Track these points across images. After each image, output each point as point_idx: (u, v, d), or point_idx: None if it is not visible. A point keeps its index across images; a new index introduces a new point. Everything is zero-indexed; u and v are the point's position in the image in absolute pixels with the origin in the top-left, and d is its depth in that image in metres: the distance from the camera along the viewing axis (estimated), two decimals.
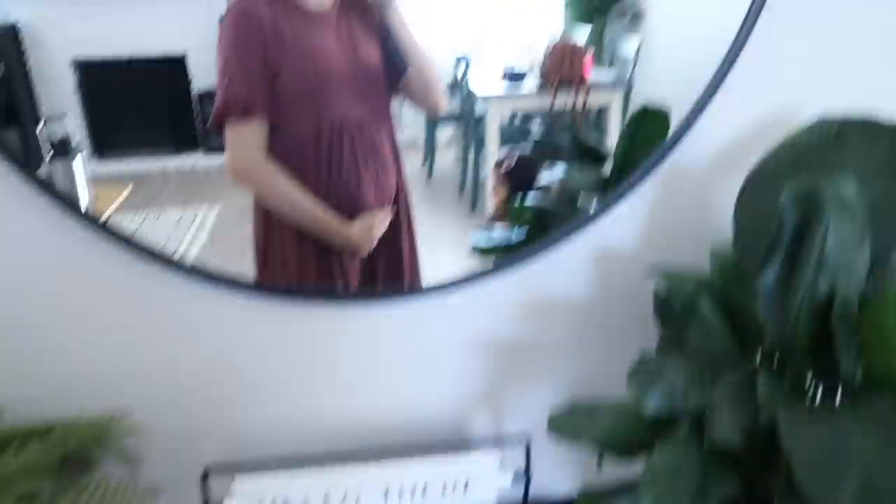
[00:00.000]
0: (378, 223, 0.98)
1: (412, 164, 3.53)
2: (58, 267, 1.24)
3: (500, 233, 0.93)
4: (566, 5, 3.79)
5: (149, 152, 3.33)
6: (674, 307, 1.20)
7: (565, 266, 1.30)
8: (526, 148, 2.54)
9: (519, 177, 1.37)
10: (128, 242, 0.76)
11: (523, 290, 1.40)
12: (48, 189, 0.69)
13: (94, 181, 1.52)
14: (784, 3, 1.58)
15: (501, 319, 1.44)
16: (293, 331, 1.57)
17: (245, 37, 0.85)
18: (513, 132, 2.74)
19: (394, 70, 0.95)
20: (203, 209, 1.79)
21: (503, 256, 0.93)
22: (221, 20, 0.87)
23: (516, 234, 0.93)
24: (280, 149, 0.90)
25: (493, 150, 2.38)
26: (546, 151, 1.45)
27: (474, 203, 2.43)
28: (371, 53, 0.90)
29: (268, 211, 0.94)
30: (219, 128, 0.89)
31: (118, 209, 1.64)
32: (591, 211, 0.93)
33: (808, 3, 1.57)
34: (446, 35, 3.56)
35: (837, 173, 1.12)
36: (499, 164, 1.36)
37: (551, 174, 0.92)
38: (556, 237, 1.04)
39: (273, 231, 0.97)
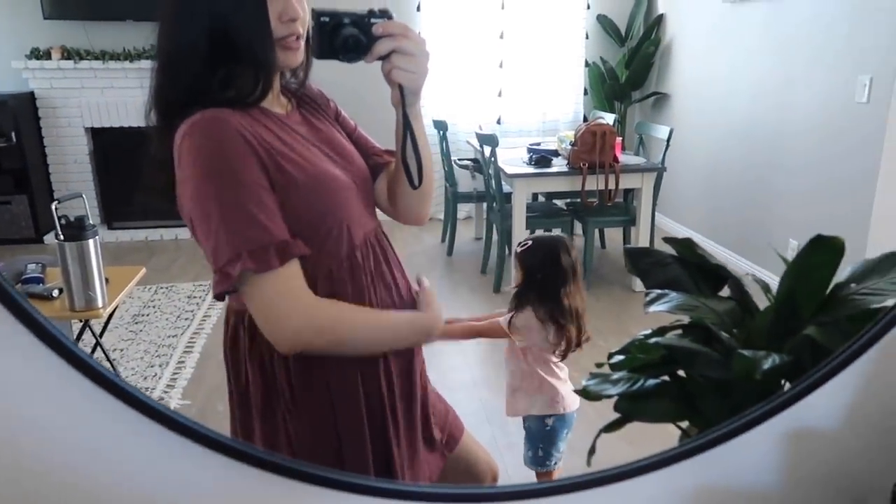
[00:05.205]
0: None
1: (430, 241, 3.41)
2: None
3: (620, 378, 0.73)
4: (587, 91, 3.81)
5: (160, 223, 3.23)
6: None
7: (747, 449, 0.82)
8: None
9: (532, 260, 1.25)
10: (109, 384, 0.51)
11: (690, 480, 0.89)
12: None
13: (106, 259, 1.43)
14: None
15: None
16: None
17: (236, 156, 0.65)
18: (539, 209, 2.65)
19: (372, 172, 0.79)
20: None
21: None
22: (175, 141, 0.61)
23: (639, 383, 0.71)
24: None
25: (520, 229, 2.28)
26: None
27: (498, 284, 2.31)
28: (355, 155, 0.74)
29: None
30: (228, 289, 0.60)
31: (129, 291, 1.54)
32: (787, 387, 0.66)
33: None
34: (471, 114, 3.54)
35: None
36: (519, 244, 1.27)
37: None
38: (742, 416, 0.62)
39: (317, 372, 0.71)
